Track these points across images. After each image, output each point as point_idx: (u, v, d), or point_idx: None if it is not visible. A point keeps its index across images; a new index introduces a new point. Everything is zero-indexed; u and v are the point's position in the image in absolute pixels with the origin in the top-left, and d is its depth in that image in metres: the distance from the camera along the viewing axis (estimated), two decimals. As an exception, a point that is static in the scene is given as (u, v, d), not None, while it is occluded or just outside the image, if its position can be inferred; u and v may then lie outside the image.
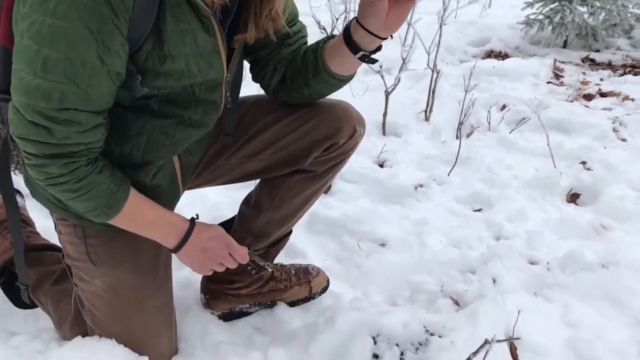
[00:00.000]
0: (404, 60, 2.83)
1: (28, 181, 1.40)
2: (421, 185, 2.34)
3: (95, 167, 1.22)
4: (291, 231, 1.73)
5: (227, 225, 1.66)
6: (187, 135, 1.34)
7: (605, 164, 2.46)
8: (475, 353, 1.00)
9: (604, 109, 3.12)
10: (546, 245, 1.97)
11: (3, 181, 1.42)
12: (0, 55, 1.21)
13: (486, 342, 1.02)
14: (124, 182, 1.28)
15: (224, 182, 1.63)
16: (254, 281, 1.68)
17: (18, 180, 1.71)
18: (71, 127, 1.13)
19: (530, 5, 4.29)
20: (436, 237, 2.05)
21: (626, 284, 1.77)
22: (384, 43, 1.33)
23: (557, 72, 3.77)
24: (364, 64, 1.37)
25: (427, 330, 1.56)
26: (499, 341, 1.03)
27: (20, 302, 1.61)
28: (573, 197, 2.33)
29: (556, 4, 4.16)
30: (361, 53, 1.32)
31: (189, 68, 1.22)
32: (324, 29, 3.22)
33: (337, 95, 1.51)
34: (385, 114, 2.79)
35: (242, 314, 1.69)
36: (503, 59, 3.96)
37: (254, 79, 1.53)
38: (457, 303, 1.71)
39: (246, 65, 1.52)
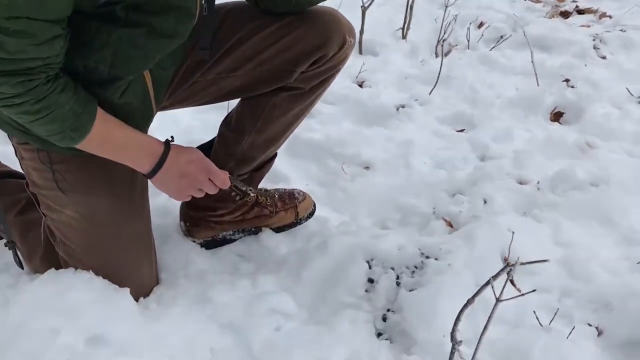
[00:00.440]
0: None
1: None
2: (403, 106, 2.25)
3: (55, 85, 1.08)
4: (276, 154, 1.62)
5: (204, 149, 1.54)
6: (158, 47, 1.19)
7: (588, 81, 2.41)
8: (495, 277, 0.93)
9: (583, 26, 3.05)
10: (535, 165, 1.92)
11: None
12: None
13: (507, 264, 0.95)
14: (90, 102, 1.15)
15: (201, 101, 1.49)
16: (237, 207, 1.58)
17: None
18: (24, 39, 0.98)
19: None
20: (421, 159, 1.98)
21: (616, 202, 1.75)
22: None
23: (533, -12, 3.65)
24: None
25: (422, 253, 1.51)
26: (522, 264, 0.97)
27: (-18, 235, 1.48)
28: (557, 116, 2.28)
29: None
30: None
31: (159, -35, 1.06)
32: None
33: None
34: (362, 32, 2.65)
35: (225, 242, 1.61)
36: (477, -25, 3.80)
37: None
38: (450, 225, 1.66)
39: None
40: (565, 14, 3.29)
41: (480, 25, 2.99)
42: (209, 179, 1.33)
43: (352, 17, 2.67)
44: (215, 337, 1.33)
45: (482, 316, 1.26)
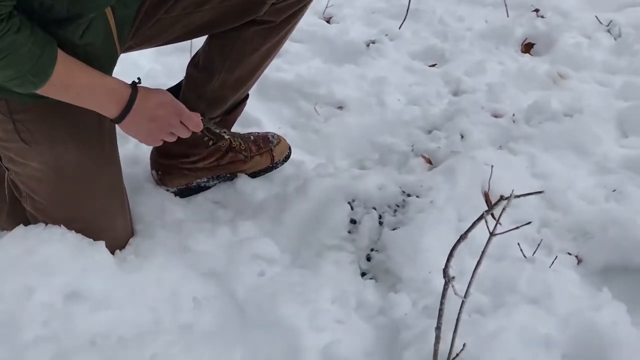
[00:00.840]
0: None
1: None
2: (373, 42, 2.19)
3: (10, 24, 0.99)
4: (248, 96, 1.56)
5: (172, 92, 1.46)
6: None
7: (557, 10, 2.37)
8: (488, 211, 0.92)
9: (550, -46, 2.99)
10: (508, 98, 1.90)
11: None
12: None
13: (501, 198, 0.93)
14: (49, 43, 1.07)
15: (167, 39, 1.41)
16: (211, 153, 1.52)
17: None
18: None
19: None
20: (395, 96, 1.94)
21: (590, 132, 1.75)
22: None
23: None
24: None
25: (403, 192, 1.49)
26: (517, 196, 0.95)
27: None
28: (527, 47, 2.25)
29: None
30: None
31: None
32: None
33: None
34: (325, -36, 2.54)
35: (200, 189, 1.56)
36: None
37: None
38: (429, 162, 1.63)
39: None
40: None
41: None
42: (181, 122, 1.26)
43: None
44: (198, 286, 1.30)
45: (466, 252, 1.27)
